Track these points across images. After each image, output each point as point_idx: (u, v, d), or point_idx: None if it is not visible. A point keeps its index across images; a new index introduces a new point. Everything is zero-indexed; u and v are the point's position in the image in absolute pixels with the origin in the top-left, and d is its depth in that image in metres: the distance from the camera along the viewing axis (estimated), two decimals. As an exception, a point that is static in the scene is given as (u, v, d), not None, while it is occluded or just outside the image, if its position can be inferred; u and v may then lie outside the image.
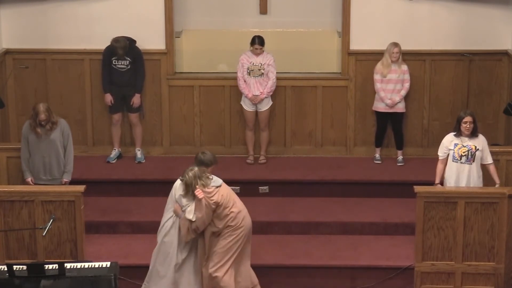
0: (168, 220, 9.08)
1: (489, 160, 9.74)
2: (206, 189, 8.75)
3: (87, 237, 9.83)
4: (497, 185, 9.71)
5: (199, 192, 8.74)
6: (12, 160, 10.41)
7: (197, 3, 12.33)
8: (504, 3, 11.67)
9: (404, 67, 11.56)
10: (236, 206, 8.88)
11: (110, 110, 11.78)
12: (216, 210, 8.77)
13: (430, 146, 11.94)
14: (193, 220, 8.76)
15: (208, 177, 8.85)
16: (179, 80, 12.02)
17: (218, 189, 8.81)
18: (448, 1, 11.72)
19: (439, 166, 9.81)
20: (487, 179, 9.99)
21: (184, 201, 8.87)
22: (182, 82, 12.00)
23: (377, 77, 11.53)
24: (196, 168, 8.88)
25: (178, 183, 9.02)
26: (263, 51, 11.49)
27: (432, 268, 9.54)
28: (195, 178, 8.76)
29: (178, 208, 8.92)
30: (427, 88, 11.93)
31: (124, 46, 11.39)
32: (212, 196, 8.74)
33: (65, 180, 10.10)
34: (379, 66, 11.53)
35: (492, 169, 9.76)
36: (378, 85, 11.53)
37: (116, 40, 11.37)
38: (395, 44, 11.40)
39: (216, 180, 8.91)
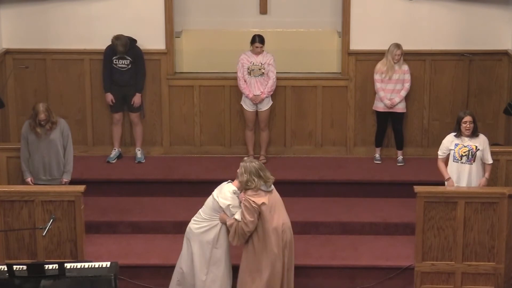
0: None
1: (489, 160, 9.74)
2: (250, 191, 8.68)
3: (87, 237, 9.83)
4: (483, 179, 9.70)
5: (241, 195, 8.73)
6: (12, 160, 10.41)
7: (197, 3, 12.32)
8: (504, 3, 11.68)
9: (405, 67, 11.56)
10: (276, 220, 8.73)
11: (111, 110, 11.79)
12: (261, 215, 8.65)
13: (430, 146, 11.94)
14: (239, 220, 8.70)
15: (262, 180, 8.70)
16: (179, 80, 12.02)
17: (263, 193, 8.69)
18: (448, 1, 11.72)
19: (440, 163, 9.80)
20: (489, 178, 10.00)
21: (232, 210, 8.85)
22: (182, 82, 12.00)
23: (377, 77, 11.53)
24: (257, 164, 8.75)
25: (220, 194, 8.95)
26: (263, 50, 11.49)
27: (432, 268, 9.54)
28: (250, 173, 8.68)
29: (224, 216, 8.90)
30: (427, 88, 11.94)
31: (125, 44, 11.40)
32: (254, 198, 8.64)
33: (64, 180, 10.10)
34: (379, 66, 11.53)
35: (487, 167, 9.75)
36: (378, 85, 11.54)
37: (117, 37, 11.38)
38: (398, 46, 11.39)
39: (269, 187, 8.79)
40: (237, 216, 8.75)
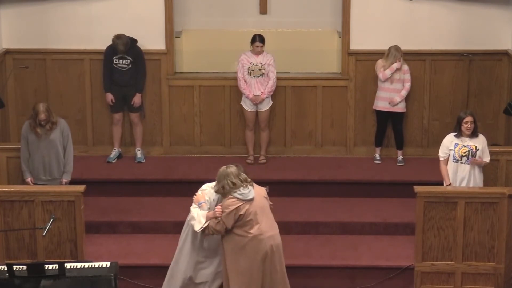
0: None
1: (486, 160, 9.73)
2: (227, 201, 8.40)
3: (87, 237, 9.82)
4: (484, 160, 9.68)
5: (218, 209, 8.45)
6: (12, 160, 10.41)
7: (197, 3, 12.32)
8: (504, 3, 11.68)
9: (405, 67, 11.56)
10: (255, 229, 8.45)
11: (111, 110, 11.79)
12: (238, 220, 8.39)
13: (430, 146, 11.94)
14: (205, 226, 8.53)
15: (240, 185, 8.39)
16: (179, 80, 12.02)
17: (242, 203, 8.38)
18: (448, 1, 11.72)
19: (443, 167, 9.78)
20: (489, 178, 9.99)
21: (199, 192, 8.72)
22: (182, 82, 12.00)
23: (379, 68, 11.47)
24: (234, 169, 8.46)
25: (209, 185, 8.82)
26: (264, 50, 11.49)
27: (432, 268, 9.54)
28: (227, 177, 8.40)
29: (201, 198, 8.70)
30: (427, 88, 11.94)
31: (126, 43, 11.40)
32: (231, 207, 8.36)
33: (64, 180, 10.10)
34: (380, 61, 11.49)
35: (473, 160, 9.73)
36: (380, 75, 11.46)
37: (118, 36, 11.39)
38: (398, 49, 11.38)
39: (246, 194, 8.43)
40: (200, 222, 8.55)
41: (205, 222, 8.53)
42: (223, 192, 8.51)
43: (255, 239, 8.45)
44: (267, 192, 8.85)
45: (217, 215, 8.44)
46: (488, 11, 11.71)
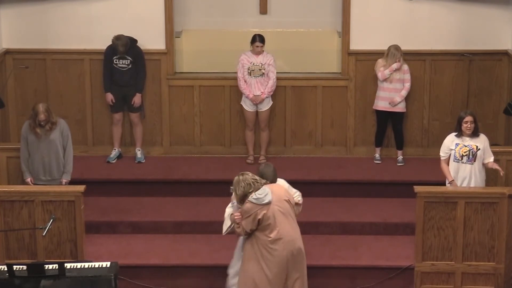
0: None
1: (491, 159, 9.72)
2: (245, 206, 8.31)
3: (87, 237, 9.82)
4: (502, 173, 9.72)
5: (237, 215, 8.39)
6: (12, 160, 10.41)
7: (197, 3, 12.33)
8: (504, 3, 11.68)
9: (405, 67, 11.56)
10: (275, 233, 8.35)
11: (111, 110, 11.79)
12: (259, 224, 8.32)
13: (430, 146, 11.95)
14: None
15: (254, 190, 8.32)
16: (179, 80, 12.02)
17: (258, 207, 8.28)
18: (448, 1, 11.72)
19: (443, 165, 9.78)
20: (489, 178, 9.99)
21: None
22: (182, 82, 12.00)
23: (379, 68, 11.47)
24: (250, 176, 8.42)
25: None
26: (264, 50, 11.49)
27: (432, 268, 9.54)
28: (238, 183, 8.36)
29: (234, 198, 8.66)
30: (427, 88, 11.94)
31: (126, 44, 11.40)
32: (248, 212, 8.29)
33: (64, 180, 10.09)
34: (380, 60, 11.50)
35: (491, 164, 9.72)
36: (379, 74, 11.46)
37: (117, 37, 11.39)
38: (398, 49, 11.39)
39: (261, 198, 8.31)
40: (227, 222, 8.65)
41: (229, 225, 8.62)
42: (241, 199, 8.42)
43: (274, 243, 8.36)
44: None
45: (237, 221, 8.43)
46: (488, 11, 11.71)
